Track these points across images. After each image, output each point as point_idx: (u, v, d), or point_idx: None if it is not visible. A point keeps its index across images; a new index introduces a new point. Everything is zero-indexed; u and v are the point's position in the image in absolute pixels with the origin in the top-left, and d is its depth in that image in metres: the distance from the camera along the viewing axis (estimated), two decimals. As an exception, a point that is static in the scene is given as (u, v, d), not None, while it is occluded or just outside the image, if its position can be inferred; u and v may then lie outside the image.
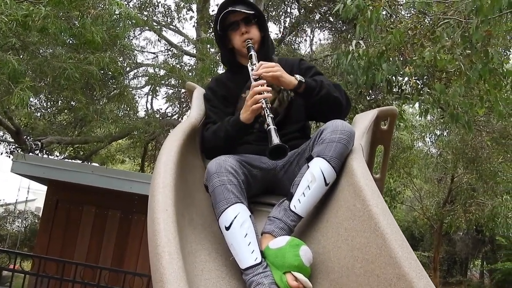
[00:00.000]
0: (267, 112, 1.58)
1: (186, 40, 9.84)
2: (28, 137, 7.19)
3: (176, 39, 14.43)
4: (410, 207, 17.55)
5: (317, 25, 9.00)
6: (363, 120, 1.84)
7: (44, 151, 7.62)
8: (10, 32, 3.73)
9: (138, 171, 11.04)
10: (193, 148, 1.69)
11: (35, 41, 4.44)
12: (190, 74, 7.18)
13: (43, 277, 4.49)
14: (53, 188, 6.10)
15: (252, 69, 1.74)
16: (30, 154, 6.39)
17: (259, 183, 1.67)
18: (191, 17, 9.11)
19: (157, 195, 1.26)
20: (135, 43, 9.05)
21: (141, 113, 8.87)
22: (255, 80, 1.68)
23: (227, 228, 1.37)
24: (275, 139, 1.50)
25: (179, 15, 9.41)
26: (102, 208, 5.95)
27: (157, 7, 8.94)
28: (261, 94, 1.62)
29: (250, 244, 1.34)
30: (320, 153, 1.50)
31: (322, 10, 8.41)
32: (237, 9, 1.82)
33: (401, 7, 6.56)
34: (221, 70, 6.95)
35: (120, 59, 6.53)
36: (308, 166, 1.50)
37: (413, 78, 5.06)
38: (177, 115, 9.63)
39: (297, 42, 9.50)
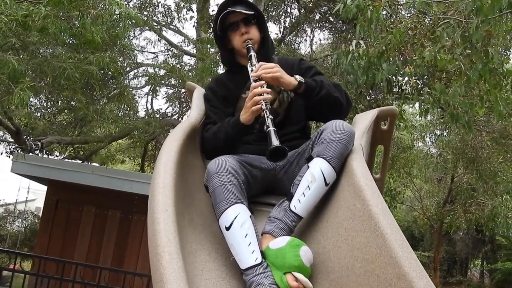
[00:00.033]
0: (266, 114, 1.58)
1: (186, 40, 9.85)
2: (28, 137, 7.19)
3: (176, 39, 14.43)
4: (410, 207, 17.56)
5: (317, 25, 9.00)
6: (363, 120, 1.84)
7: (44, 151, 7.62)
8: (10, 32, 3.73)
9: (138, 171, 11.04)
10: (193, 148, 1.69)
11: (35, 41, 4.44)
12: (190, 74, 7.18)
13: (43, 277, 4.49)
14: (53, 188, 6.10)
15: (252, 70, 1.74)
16: (30, 154, 6.39)
17: (259, 183, 1.67)
18: (191, 17, 9.11)
19: (157, 195, 1.26)
20: (135, 43, 9.06)
21: (141, 113, 8.89)
22: (255, 81, 1.68)
23: (228, 228, 1.37)
24: (275, 141, 1.50)
25: (179, 15, 9.42)
26: (102, 208, 5.95)
27: (157, 7, 8.94)
28: (261, 95, 1.62)
29: (251, 245, 1.34)
30: (320, 153, 1.50)
31: (322, 10, 8.42)
32: (236, 10, 1.82)
33: (401, 7, 6.56)
34: (221, 70, 6.95)
35: (120, 59, 6.53)
36: (308, 166, 1.50)
37: (413, 78, 5.06)
38: (177, 115, 9.64)
39: (297, 42, 9.50)
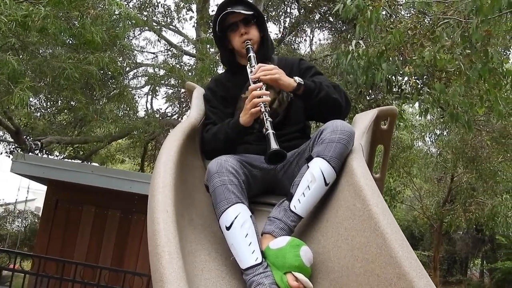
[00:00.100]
0: (265, 116, 1.59)
1: (185, 40, 9.85)
2: (28, 137, 7.20)
3: (176, 39, 14.41)
4: (410, 207, 17.56)
5: (317, 25, 9.01)
6: (363, 120, 1.84)
7: (44, 151, 7.62)
8: (9, 32, 3.73)
9: (138, 171, 11.03)
10: (193, 148, 1.69)
11: (34, 41, 4.44)
12: (189, 74, 7.18)
13: (43, 276, 4.49)
14: (53, 188, 6.09)
15: (251, 72, 1.74)
16: (30, 154, 6.38)
17: (259, 183, 1.67)
18: (191, 17, 9.14)
19: (157, 195, 1.26)
20: (134, 43, 9.06)
21: (141, 113, 8.89)
22: (254, 83, 1.68)
23: (228, 228, 1.37)
24: (274, 145, 1.50)
25: (179, 15, 9.42)
26: (102, 208, 5.95)
27: (157, 7, 8.95)
28: (260, 97, 1.62)
29: (251, 244, 1.34)
30: (320, 153, 1.50)
31: (322, 10, 8.42)
32: (236, 10, 1.82)
33: (401, 7, 6.56)
34: (220, 70, 6.95)
35: (120, 59, 6.52)
36: (308, 166, 1.50)
37: (413, 77, 5.06)
38: (177, 115, 9.64)
39: (297, 42, 9.51)
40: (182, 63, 8.11)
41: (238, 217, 1.38)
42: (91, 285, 4.43)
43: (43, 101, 7.66)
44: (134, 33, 8.83)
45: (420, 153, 13.45)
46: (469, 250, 18.03)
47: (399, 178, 12.35)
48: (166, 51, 9.51)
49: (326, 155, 1.48)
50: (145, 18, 7.55)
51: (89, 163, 9.92)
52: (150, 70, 8.47)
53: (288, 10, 9.28)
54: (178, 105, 9.55)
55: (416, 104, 5.54)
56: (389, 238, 1.20)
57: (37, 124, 7.77)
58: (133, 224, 5.89)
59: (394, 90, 5.42)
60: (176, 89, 9.07)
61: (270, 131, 1.54)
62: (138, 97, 9.38)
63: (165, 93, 9.61)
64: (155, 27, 8.74)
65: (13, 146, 8.45)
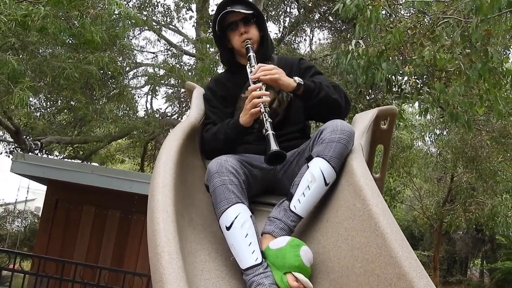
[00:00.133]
0: (265, 117, 1.58)
1: (185, 40, 9.85)
2: (28, 137, 7.19)
3: (175, 39, 14.46)
4: (410, 207, 17.56)
5: (316, 24, 9.01)
6: (363, 120, 1.84)
7: (44, 150, 7.62)
8: (9, 32, 3.72)
9: (137, 170, 11.03)
10: (192, 148, 1.69)
11: (34, 41, 4.44)
12: (189, 73, 7.18)
13: (43, 276, 4.49)
14: (52, 187, 6.09)
15: (251, 72, 1.74)
16: (30, 154, 6.38)
17: (259, 183, 1.67)
18: (191, 17, 9.13)
19: (156, 195, 1.26)
20: (134, 43, 9.06)
21: (141, 113, 8.89)
22: (254, 83, 1.68)
23: (228, 228, 1.37)
24: (273, 146, 1.50)
25: (179, 15, 9.42)
26: (101, 208, 5.95)
27: (156, 7, 8.94)
28: (260, 97, 1.62)
29: (251, 245, 1.34)
30: (319, 153, 1.50)
31: (322, 10, 8.42)
32: (235, 9, 1.81)
33: (401, 6, 6.56)
34: (220, 69, 6.95)
35: (120, 59, 6.52)
36: (308, 166, 1.50)
37: (413, 77, 5.06)
38: (176, 114, 9.64)
39: (296, 41, 9.51)
40: (182, 63, 8.12)
41: (238, 217, 1.38)
42: (91, 285, 4.42)
43: (43, 101, 7.66)
44: (134, 33, 8.83)
45: (420, 153, 13.44)
46: (469, 250, 18.03)
47: (399, 178, 12.35)
48: (166, 50, 9.52)
49: (326, 155, 1.48)
50: (145, 18, 7.55)
51: (89, 163, 9.93)
52: (150, 70, 8.47)
53: (288, 10, 9.29)
54: (178, 105, 9.55)
55: (416, 104, 5.55)
56: (389, 238, 1.20)
57: (37, 124, 7.77)
58: (133, 224, 5.88)
59: (394, 89, 5.42)
60: (176, 89, 9.07)
61: (270, 131, 1.54)
62: (138, 97, 9.40)
63: (165, 93, 9.62)
64: (155, 27, 8.74)
65: (13, 146, 8.45)
